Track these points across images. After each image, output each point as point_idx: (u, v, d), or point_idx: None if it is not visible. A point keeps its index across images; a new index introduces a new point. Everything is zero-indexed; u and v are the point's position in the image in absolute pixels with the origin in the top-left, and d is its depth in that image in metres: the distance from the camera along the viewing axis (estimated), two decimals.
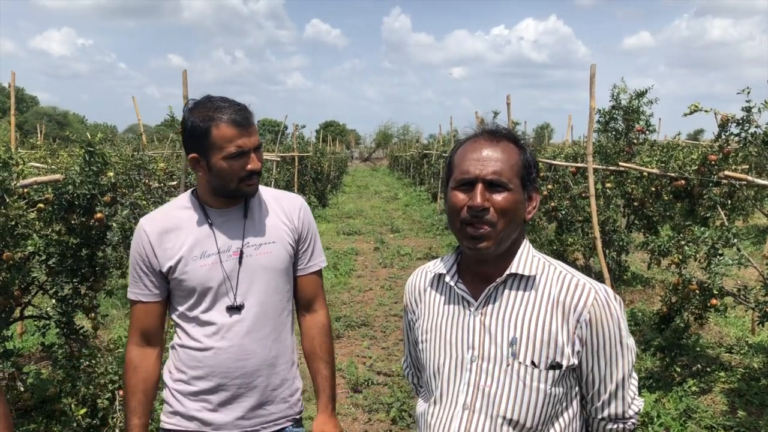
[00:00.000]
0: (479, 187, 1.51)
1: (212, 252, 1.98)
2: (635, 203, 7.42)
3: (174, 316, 2.07)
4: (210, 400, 2.01)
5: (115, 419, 3.83)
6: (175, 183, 5.15)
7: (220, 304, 1.99)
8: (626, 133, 7.17)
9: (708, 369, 5.30)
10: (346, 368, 5.74)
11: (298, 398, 2.17)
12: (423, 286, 1.75)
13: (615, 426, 1.61)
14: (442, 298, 1.67)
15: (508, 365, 1.52)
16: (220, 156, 1.92)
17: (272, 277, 2.04)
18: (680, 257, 4.98)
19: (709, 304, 4.85)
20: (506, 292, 1.57)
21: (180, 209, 2.05)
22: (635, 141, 7.08)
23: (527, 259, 1.59)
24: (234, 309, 1.99)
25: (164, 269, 1.98)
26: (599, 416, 1.60)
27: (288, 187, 15.14)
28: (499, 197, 1.51)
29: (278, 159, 12.99)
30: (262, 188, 2.13)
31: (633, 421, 1.62)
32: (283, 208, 2.11)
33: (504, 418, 1.51)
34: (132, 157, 4.34)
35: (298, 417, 2.16)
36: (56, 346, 4.09)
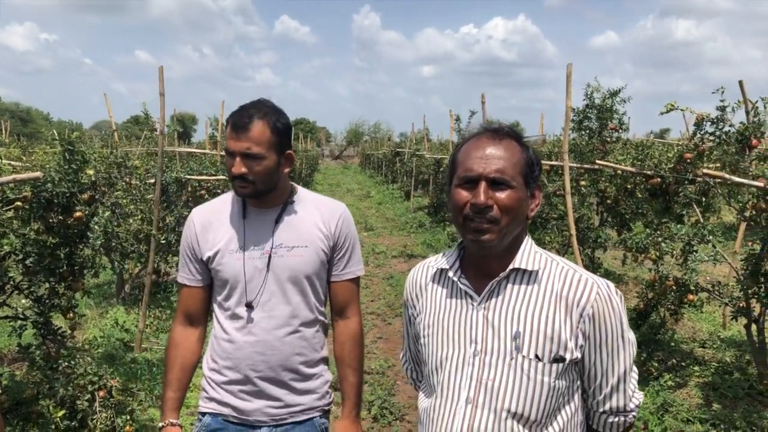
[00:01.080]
0: (482, 185, 1.52)
1: (245, 248, 2.07)
2: (608, 201, 7.52)
3: (214, 305, 2.18)
4: (240, 389, 2.10)
5: (95, 420, 3.77)
6: (152, 180, 5.08)
7: (245, 299, 2.07)
8: (600, 131, 7.26)
9: (683, 363, 5.41)
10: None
11: (326, 391, 2.22)
12: (424, 282, 1.75)
13: (616, 419, 1.63)
14: (445, 292, 1.68)
15: (511, 359, 1.53)
16: (224, 149, 2.04)
17: (300, 279, 2.10)
18: (657, 254, 5.07)
19: (685, 300, 4.95)
20: (509, 286, 1.59)
21: (226, 204, 2.16)
22: (608, 139, 7.17)
23: (530, 254, 1.61)
24: (258, 306, 2.07)
25: (205, 258, 2.10)
26: (601, 409, 1.62)
27: None
28: (502, 195, 1.52)
29: None
30: (306, 193, 2.23)
31: (634, 414, 1.64)
32: (322, 214, 2.16)
33: (508, 411, 1.52)
34: (111, 154, 4.26)
35: (326, 408, 2.22)
36: (33, 347, 4.00)
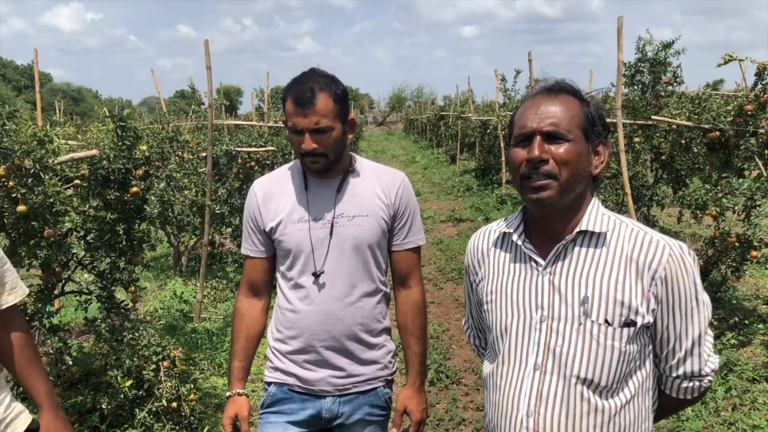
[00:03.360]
0: (537, 139, 1.49)
1: (307, 218, 2.09)
2: (663, 157, 7.31)
3: (278, 276, 2.21)
4: (303, 359, 2.13)
5: (160, 390, 3.88)
6: (204, 154, 5.14)
7: (310, 269, 2.09)
8: (653, 85, 7.02)
9: (746, 321, 5.26)
10: None
11: (389, 360, 2.23)
12: (487, 246, 1.72)
13: (691, 384, 1.58)
14: (508, 257, 1.65)
15: (580, 324, 1.50)
16: (288, 126, 2.02)
17: (362, 248, 2.10)
18: (718, 210, 4.91)
19: (748, 256, 4.79)
20: (576, 249, 1.55)
21: (287, 174, 2.18)
22: (662, 93, 6.93)
23: (597, 215, 1.56)
24: (320, 275, 2.08)
25: (267, 229, 2.13)
26: (674, 374, 1.58)
27: None
28: (559, 149, 1.48)
29: None
30: (365, 162, 2.21)
31: (709, 378, 1.59)
32: (381, 183, 2.15)
33: (578, 377, 1.50)
34: (162, 130, 4.32)
35: (389, 379, 2.24)
36: (98, 320, 4.13)
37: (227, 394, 2.21)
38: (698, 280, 1.52)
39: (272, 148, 7.22)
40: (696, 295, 1.51)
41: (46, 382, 2.03)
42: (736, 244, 4.77)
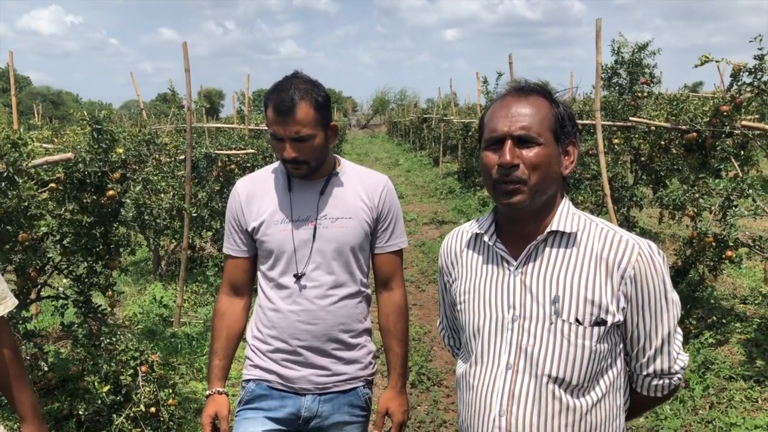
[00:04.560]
0: (508, 143, 1.49)
1: (290, 219, 2.09)
2: (643, 158, 7.37)
3: (259, 275, 2.21)
4: (284, 358, 2.13)
5: (138, 395, 3.85)
6: (182, 157, 5.11)
7: (292, 269, 2.10)
8: (630, 87, 7.08)
9: (723, 320, 5.31)
10: None
11: (369, 361, 2.25)
12: (459, 248, 1.73)
13: (661, 382, 1.60)
14: (480, 258, 1.66)
15: (551, 323, 1.51)
16: (270, 133, 2.02)
17: (344, 250, 2.11)
18: (695, 210, 4.95)
19: (724, 256, 4.84)
20: (547, 249, 1.55)
21: (271, 175, 2.19)
22: (640, 95, 6.99)
23: (568, 216, 1.57)
24: (302, 276, 2.09)
25: (249, 229, 2.13)
26: (644, 372, 1.59)
27: None
28: (529, 153, 1.48)
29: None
30: (349, 165, 2.23)
31: (679, 375, 1.60)
32: (365, 186, 2.17)
33: (549, 376, 1.50)
34: (140, 132, 4.28)
35: (369, 379, 2.25)
36: (75, 325, 4.08)
37: (207, 392, 2.20)
38: (667, 279, 1.53)
39: (252, 151, 7.18)
40: (665, 294, 1.52)
41: (30, 396, 2.01)
42: (713, 244, 4.82)
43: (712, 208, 4.83)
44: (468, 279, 1.66)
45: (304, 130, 1.95)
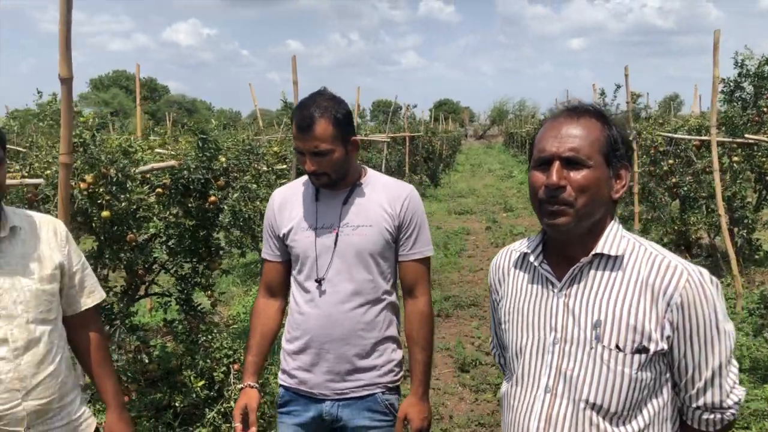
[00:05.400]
0: (556, 164, 1.47)
1: (315, 227, 2.21)
2: (767, 177, 6.90)
3: (292, 279, 2.33)
4: (304, 360, 2.24)
5: (230, 392, 4.04)
6: (285, 166, 5.32)
7: (314, 274, 2.21)
8: (755, 101, 6.65)
9: None
10: (454, 347, 5.75)
11: (390, 369, 2.28)
12: (507, 266, 1.72)
13: (712, 416, 1.51)
14: (526, 278, 1.64)
15: (591, 348, 1.47)
16: (293, 146, 2.17)
17: (365, 257, 2.19)
18: None
19: None
20: (591, 272, 1.52)
21: (302, 185, 2.32)
22: (766, 109, 6.55)
23: (615, 238, 1.52)
24: (322, 281, 2.19)
25: (281, 235, 2.27)
26: (694, 405, 1.51)
27: (399, 168, 15.24)
28: (577, 175, 1.46)
29: (388, 140, 13.09)
30: (376, 175, 2.32)
31: (732, 411, 1.51)
32: (388, 195, 2.24)
33: (587, 402, 1.47)
34: (242, 142, 4.52)
35: (390, 386, 2.28)
36: (176, 322, 4.36)
37: (239, 386, 2.35)
38: (720, 308, 1.45)
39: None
40: (717, 324, 1.44)
41: (114, 384, 2.20)
42: None
43: None
44: (513, 298, 1.65)
45: (322, 145, 2.07)
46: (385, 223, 2.20)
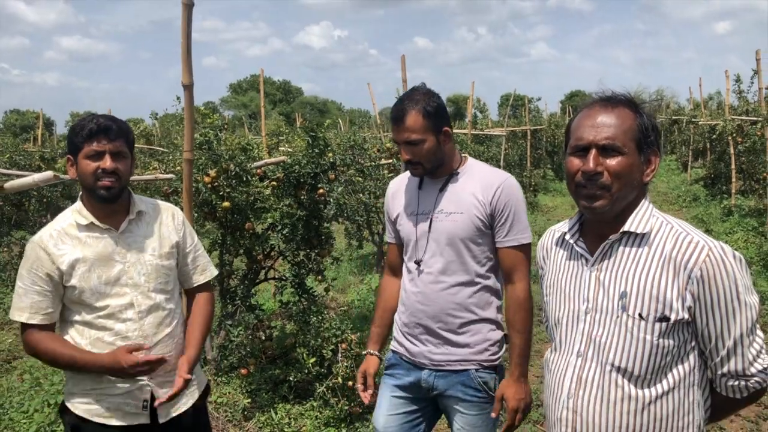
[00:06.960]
0: (593, 152, 1.61)
1: (416, 212, 2.43)
2: None
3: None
4: (408, 332, 2.46)
5: (337, 368, 4.38)
6: (392, 161, 5.62)
7: (414, 256, 2.42)
8: None
9: None
10: None
11: (485, 348, 2.38)
12: (550, 245, 1.89)
13: (736, 383, 1.62)
14: (565, 254, 1.81)
15: (617, 317, 1.62)
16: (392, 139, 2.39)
17: (455, 241, 2.33)
18: None
19: None
20: (621, 248, 1.66)
21: (411, 175, 2.50)
22: None
23: (643, 217, 1.65)
24: (420, 262, 2.40)
25: (393, 219, 2.53)
26: (719, 371, 1.62)
27: (521, 162, 15.15)
28: (612, 162, 1.60)
29: (504, 134, 13.08)
30: (475, 164, 2.44)
31: (757, 379, 1.61)
32: (482, 183, 2.35)
33: (612, 365, 1.62)
34: (348, 139, 4.87)
35: (485, 364, 2.37)
36: (291, 304, 4.77)
37: (363, 352, 2.65)
38: (741, 282, 1.54)
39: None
40: (737, 296, 1.54)
41: (200, 336, 2.42)
42: None
43: None
44: (554, 273, 1.82)
45: (413, 135, 2.25)
46: (476, 211, 2.31)
